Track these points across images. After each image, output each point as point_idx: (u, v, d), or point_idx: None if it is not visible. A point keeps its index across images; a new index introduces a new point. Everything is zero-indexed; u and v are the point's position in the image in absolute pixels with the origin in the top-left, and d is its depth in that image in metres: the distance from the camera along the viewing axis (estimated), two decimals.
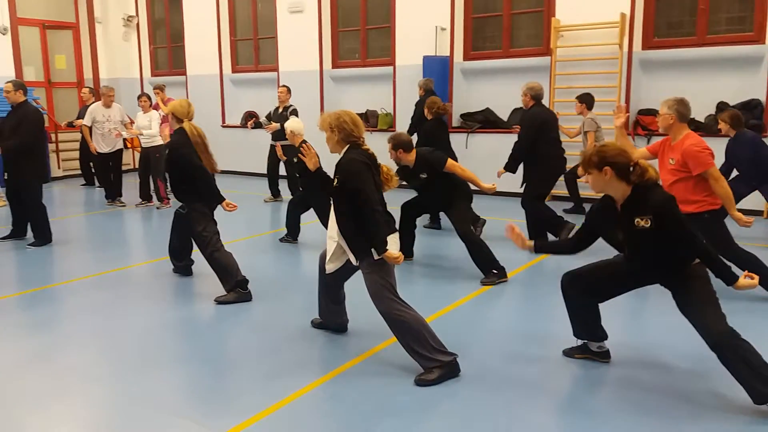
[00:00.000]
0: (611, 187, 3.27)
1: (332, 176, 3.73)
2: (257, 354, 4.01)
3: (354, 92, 11.45)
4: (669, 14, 8.88)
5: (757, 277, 3.19)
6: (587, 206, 6.21)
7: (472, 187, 5.68)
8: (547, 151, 6.45)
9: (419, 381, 3.51)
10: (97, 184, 10.99)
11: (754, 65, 8.17)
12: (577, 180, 8.22)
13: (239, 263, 5.07)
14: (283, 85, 9.68)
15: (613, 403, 3.32)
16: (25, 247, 6.87)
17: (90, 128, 9.47)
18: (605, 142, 3.41)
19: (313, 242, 6.80)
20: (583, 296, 3.64)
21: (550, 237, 6.57)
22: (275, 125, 9.00)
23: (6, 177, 6.91)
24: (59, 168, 12.56)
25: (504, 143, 6.67)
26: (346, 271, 3.89)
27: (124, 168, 9.78)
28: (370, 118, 10.92)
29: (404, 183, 6.31)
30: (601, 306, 3.70)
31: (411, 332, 3.54)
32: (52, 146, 12.21)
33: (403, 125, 9.71)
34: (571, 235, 4.23)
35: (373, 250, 3.55)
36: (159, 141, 9.09)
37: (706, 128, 8.10)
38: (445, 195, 5.58)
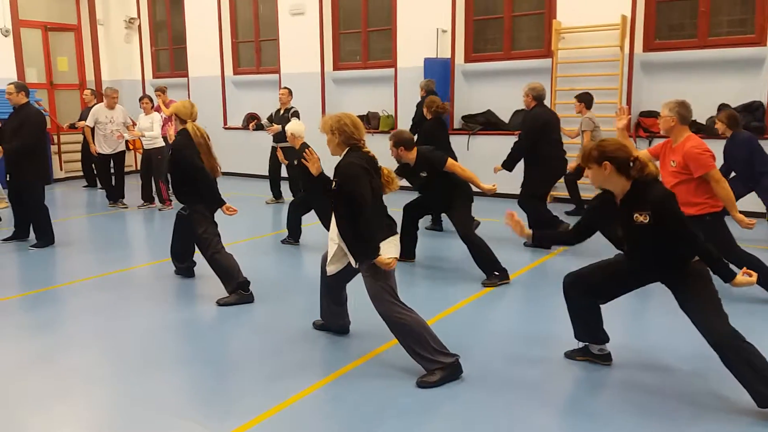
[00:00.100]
0: (611, 181, 3.27)
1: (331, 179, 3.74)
2: (259, 355, 4.01)
3: (355, 94, 11.46)
4: (670, 16, 8.88)
5: (755, 275, 3.17)
6: None
7: (473, 188, 5.69)
8: (548, 152, 6.46)
9: (421, 383, 3.51)
10: (99, 185, 11.01)
11: (755, 67, 8.18)
12: (578, 182, 8.23)
13: (241, 265, 5.07)
14: (285, 87, 9.70)
15: (614, 405, 3.32)
16: (27, 248, 6.88)
17: (92, 129, 9.49)
18: (604, 139, 3.41)
19: (315, 244, 6.81)
20: (585, 297, 3.64)
21: None
22: (277, 127, 9.01)
23: (8, 179, 6.92)
24: (61, 170, 12.59)
25: (505, 145, 6.67)
26: (348, 273, 3.90)
27: (126, 170, 9.79)
28: (371, 120, 10.93)
29: (407, 185, 6.33)
30: (603, 308, 3.71)
31: (412, 334, 3.54)
32: (54, 148, 12.23)
33: (404, 127, 9.70)
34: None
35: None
36: (160, 143, 9.11)
37: (708, 130, 8.10)
38: (445, 194, 5.59)
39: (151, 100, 9.37)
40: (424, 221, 7.33)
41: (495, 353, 4.00)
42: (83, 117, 10.37)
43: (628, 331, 4.43)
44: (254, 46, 12.83)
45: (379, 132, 10.62)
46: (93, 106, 9.92)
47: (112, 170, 9.58)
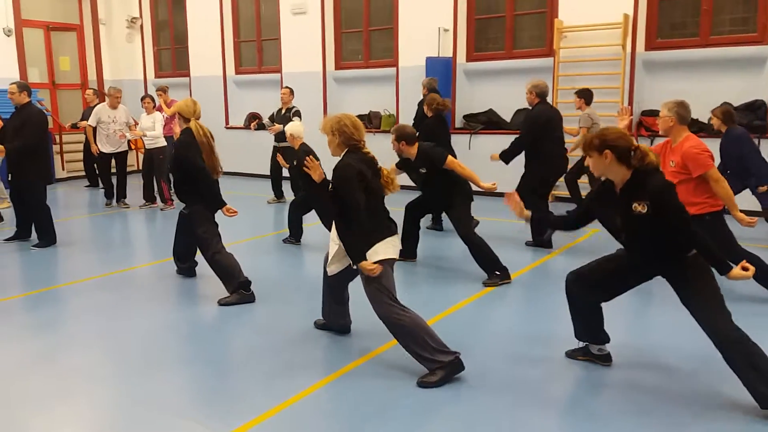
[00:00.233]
0: (611, 170, 3.26)
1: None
2: (260, 355, 4.02)
3: (357, 93, 11.46)
4: (672, 15, 8.87)
5: (752, 268, 3.10)
6: None
7: (473, 187, 5.68)
8: (550, 149, 6.45)
9: (422, 383, 3.51)
10: (101, 185, 11.02)
11: (757, 66, 8.16)
12: (578, 181, 8.22)
13: (242, 264, 5.08)
14: (286, 87, 9.70)
15: (615, 405, 3.32)
16: (29, 248, 6.90)
17: (94, 129, 9.50)
18: (606, 127, 3.40)
19: (316, 244, 6.81)
20: (588, 295, 3.63)
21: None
22: (278, 126, 9.01)
23: (10, 178, 6.94)
24: (63, 169, 12.61)
25: (507, 144, 6.66)
26: (349, 273, 3.90)
27: (128, 169, 9.81)
28: (373, 120, 10.92)
29: (409, 185, 6.33)
30: (604, 306, 3.70)
31: (410, 335, 3.54)
32: (56, 148, 12.26)
33: None
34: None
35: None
36: (162, 142, 9.12)
37: (710, 129, 8.06)
38: (444, 191, 5.59)
39: (153, 100, 9.38)
40: (426, 221, 7.33)
41: (496, 353, 3.99)
42: (85, 117, 10.38)
43: (630, 329, 4.43)
44: (256, 45, 12.84)
45: (381, 131, 10.62)
46: (95, 105, 9.93)
47: (114, 170, 9.60)
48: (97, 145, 9.46)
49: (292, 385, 3.56)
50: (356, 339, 4.23)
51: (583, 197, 8.19)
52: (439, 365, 3.52)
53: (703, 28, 8.54)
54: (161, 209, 9.22)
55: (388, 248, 3.65)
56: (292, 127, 6.84)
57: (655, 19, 8.84)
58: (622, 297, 3.68)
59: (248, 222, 8.07)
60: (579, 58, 9.11)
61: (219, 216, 5.21)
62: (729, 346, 3.11)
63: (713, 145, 6.32)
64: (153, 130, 9.07)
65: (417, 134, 5.64)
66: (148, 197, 9.44)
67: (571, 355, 3.87)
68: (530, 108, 6.68)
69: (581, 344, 3.84)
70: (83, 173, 11.93)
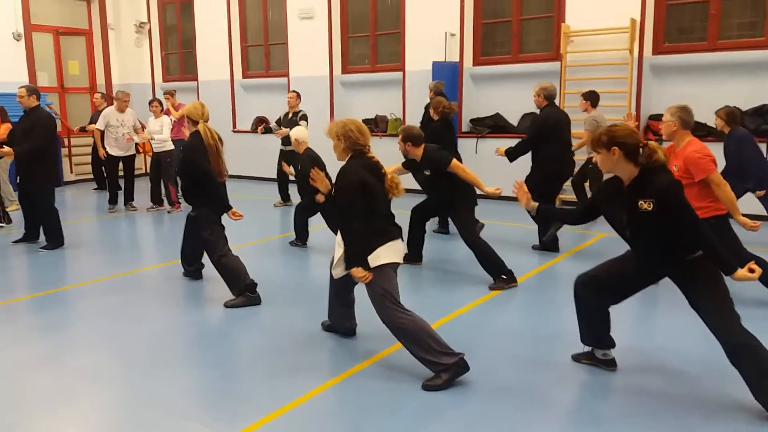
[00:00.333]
0: (619, 167, 3.25)
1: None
2: (266, 357, 4.02)
3: (364, 97, 11.48)
4: (680, 19, 8.85)
5: (759, 270, 3.06)
6: None
7: (477, 191, 5.68)
8: (558, 152, 6.43)
9: (427, 386, 3.51)
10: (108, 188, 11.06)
11: (765, 71, 8.13)
12: (584, 185, 8.21)
13: (248, 267, 5.09)
14: (293, 91, 9.73)
15: (621, 409, 3.30)
16: (37, 250, 6.94)
17: (102, 132, 9.55)
18: (615, 124, 3.39)
19: (322, 246, 6.82)
20: (596, 298, 3.60)
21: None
22: (285, 130, 9.04)
23: (18, 181, 6.98)
24: (72, 172, 12.68)
25: None
26: None
27: (136, 173, 9.86)
28: (379, 124, 10.94)
29: (416, 188, 6.34)
30: (610, 310, 3.69)
31: (414, 338, 3.55)
32: (64, 151, 12.32)
33: None
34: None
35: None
36: (170, 146, 9.17)
37: (717, 133, 8.05)
38: (448, 194, 5.60)
39: (161, 104, 9.43)
40: (432, 224, 7.33)
41: (501, 356, 3.99)
42: (94, 120, 10.43)
43: (635, 333, 4.41)
44: (263, 49, 12.89)
45: (387, 135, 10.63)
46: (103, 109, 9.98)
47: (121, 173, 9.64)
48: (105, 148, 9.51)
49: (298, 387, 3.56)
50: (362, 341, 4.23)
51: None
52: (443, 368, 3.52)
53: (710, 32, 8.52)
54: (168, 212, 9.26)
55: (390, 252, 3.66)
56: (297, 132, 6.87)
57: (662, 24, 8.82)
58: (628, 301, 3.67)
59: (255, 225, 8.10)
60: (586, 62, 9.10)
61: (225, 219, 5.23)
62: (738, 350, 3.09)
63: (720, 149, 6.30)
64: (161, 133, 9.12)
65: (423, 136, 5.65)
66: (156, 200, 9.48)
67: (577, 358, 3.86)
68: (538, 111, 6.68)
69: (586, 348, 3.82)
70: (91, 176, 12.00)
